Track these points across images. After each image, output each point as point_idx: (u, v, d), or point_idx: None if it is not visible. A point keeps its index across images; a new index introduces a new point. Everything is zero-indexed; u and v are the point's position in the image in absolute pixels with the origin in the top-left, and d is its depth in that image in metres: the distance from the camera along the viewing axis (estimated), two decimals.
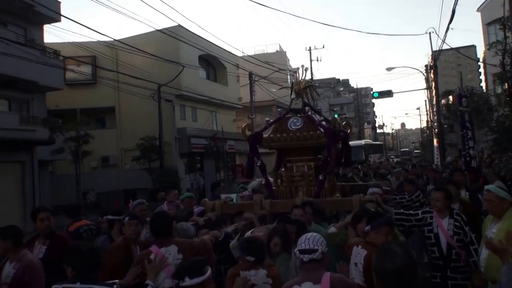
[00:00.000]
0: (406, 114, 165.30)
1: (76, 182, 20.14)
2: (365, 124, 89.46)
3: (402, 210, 6.07)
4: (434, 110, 31.54)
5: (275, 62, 36.31)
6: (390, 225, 4.42)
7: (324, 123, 6.99)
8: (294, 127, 6.93)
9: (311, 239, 3.56)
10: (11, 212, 18.38)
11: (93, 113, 27.51)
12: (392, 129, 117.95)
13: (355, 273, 4.28)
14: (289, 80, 44.36)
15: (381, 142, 63.15)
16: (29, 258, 4.72)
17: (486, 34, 27.76)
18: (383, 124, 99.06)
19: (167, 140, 27.14)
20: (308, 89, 7.27)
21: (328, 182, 6.92)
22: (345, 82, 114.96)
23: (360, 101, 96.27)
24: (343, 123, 7.07)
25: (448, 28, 20.49)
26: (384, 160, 32.40)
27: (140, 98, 25.12)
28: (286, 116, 7.22)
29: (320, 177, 6.74)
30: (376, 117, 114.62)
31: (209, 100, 31.44)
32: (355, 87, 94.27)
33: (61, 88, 22.41)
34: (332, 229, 5.34)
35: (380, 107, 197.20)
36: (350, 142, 8.26)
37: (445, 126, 29.63)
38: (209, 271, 3.33)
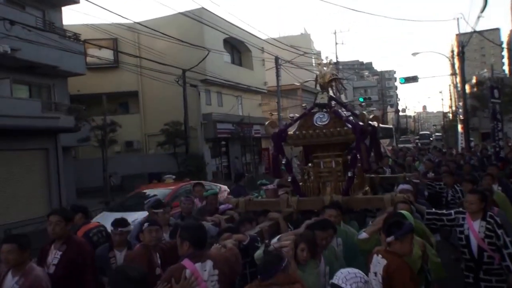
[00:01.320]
0: (429, 97, 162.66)
1: (103, 170, 20.06)
2: (388, 107, 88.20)
3: (434, 210, 5.82)
4: (460, 96, 30.70)
5: (299, 45, 35.80)
6: (413, 232, 4.09)
7: (351, 118, 6.57)
8: (320, 123, 6.53)
9: (348, 278, 3.32)
10: (37, 201, 18.47)
11: (116, 97, 27.19)
12: (414, 112, 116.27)
13: (375, 283, 3.96)
14: (313, 63, 43.82)
15: (391, 126, 59.50)
16: (36, 274, 4.35)
17: None
18: (406, 107, 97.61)
19: (193, 125, 26.88)
20: (333, 82, 6.84)
21: (357, 177, 6.54)
22: (369, 65, 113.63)
23: (384, 84, 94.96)
24: (371, 117, 6.63)
25: (479, 16, 19.80)
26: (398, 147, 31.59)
27: (163, 83, 24.81)
28: (312, 111, 6.79)
29: (349, 174, 6.34)
30: (399, 100, 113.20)
31: (234, 85, 30.99)
32: (378, 70, 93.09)
33: (83, 73, 22.08)
34: (364, 234, 4.94)
35: (403, 90, 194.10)
36: None
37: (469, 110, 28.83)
38: None
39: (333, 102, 6.70)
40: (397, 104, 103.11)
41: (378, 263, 3.96)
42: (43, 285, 4.28)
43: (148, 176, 26.22)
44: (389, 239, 3.96)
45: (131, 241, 6.49)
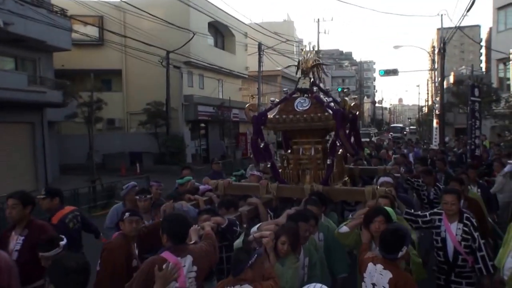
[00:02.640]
0: (406, 91, 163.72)
1: (89, 147, 19.61)
2: (365, 98, 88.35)
3: (412, 210, 5.54)
4: (438, 91, 30.75)
5: (281, 31, 35.56)
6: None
7: (332, 104, 6.30)
8: (301, 108, 6.25)
9: None
10: (22, 173, 18.24)
11: (99, 75, 26.33)
12: (390, 104, 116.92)
13: None
14: (295, 51, 43.49)
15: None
16: (3, 258, 4.09)
17: (496, 17, 26.67)
18: (382, 99, 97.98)
19: (174, 107, 26.68)
20: (316, 67, 6.54)
21: (336, 166, 6.29)
22: (349, 55, 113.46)
23: (362, 75, 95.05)
24: (352, 104, 6.37)
25: (464, 15, 19.79)
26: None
27: (147, 63, 24.35)
28: (293, 96, 6.52)
29: (329, 161, 6.11)
30: (376, 91, 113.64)
31: (217, 69, 30.63)
32: (358, 60, 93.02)
33: (69, 49, 21.61)
34: (345, 228, 4.66)
35: (381, 81, 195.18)
36: None
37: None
38: None
39: (314, 88, 6.42)
40: (374, 95, 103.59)
41: (380, 274, 3.66)
42: (11, 267, 4.11)
43: (129, 156, 25.86)
44: (403, 251, 3.63)
45: (107, 229, 6.19)
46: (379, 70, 33.44)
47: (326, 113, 6.06)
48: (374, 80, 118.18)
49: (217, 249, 4.17)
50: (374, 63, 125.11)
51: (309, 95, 6.36)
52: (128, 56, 25.78)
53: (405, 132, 59.25)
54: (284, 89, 6.94)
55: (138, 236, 4.66)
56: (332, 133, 6.51)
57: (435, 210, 5.44)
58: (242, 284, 3.40)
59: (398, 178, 7.36)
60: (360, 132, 8.41)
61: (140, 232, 4.69)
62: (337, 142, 6.07)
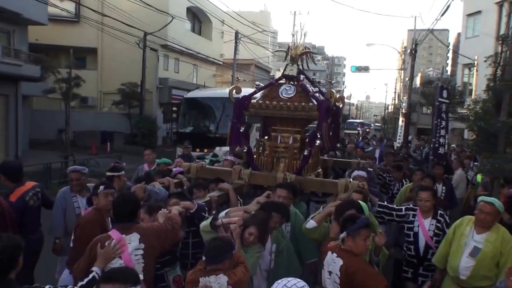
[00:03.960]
0: (375, 88, 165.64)
1: (65, 123, 18.87)
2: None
3: (386, 203, 5.55)
4: (405, 91, 31.07)
5: (258, 21, 35.27)
6: (368, 228, 3.62)
7: (318, 95, 6.02)
8: (285, 95, 5.95)
9: None
10: None
11: (73, 52, 25.81)
12: (358, 100, 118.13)
13: (329, 282, 3.58)
14: (269, 41, 43.20)
15: None
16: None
17: (465, 23, 26.99)
18: (350, 94, 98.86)
19: (149, 88, 26.22)
20: (305, 55, 6.25)
21: (312, 157, 6.04)
22: (321, 49, 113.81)
23: (333, 70, 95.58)
24: (337, 97, 6.12)
25: (437, 19, 19.93)
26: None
27: (124, 43, 23.65)
28: (279, 82, 6.21)
29: (306, 153, 5.82)
30: (345, 87, 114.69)
31: (193, 54, 30.11)
32: (329, 55, 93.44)
33: (45, 23, 20.76)
34: (312, 222, 4.46)
35: (350, 77, 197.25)
36: None
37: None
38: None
39: (301, 76, 6.12)
40: (343, 90, 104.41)
41: (334, 262, 3.54)
42: None
43: (100, 134, 25.21)
44: (342, 235, 3.55)
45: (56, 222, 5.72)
46: (351, 66, 33.70)
47: (311, 103, 5.81)
48: (344, 76, 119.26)
49: (178, 231, 4.01)
50: (345, 59, 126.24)
51: (295, 82, 6.08)
52: (105, 35, 24.97)
53: (367, 129, 56.69)
54: (256, 83, 6.66)
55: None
56: (313, 124, 6.27)
57: (410, 205, 5.50)
58: (218, 274, 3.22)
59: (371, 172, 7.18)
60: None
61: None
62: (318, 134, 5.79)
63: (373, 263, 4.12)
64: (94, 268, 3.29)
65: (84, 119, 25.58)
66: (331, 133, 6.41)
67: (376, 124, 73.43)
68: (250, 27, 31.06)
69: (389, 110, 58.89)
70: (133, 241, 3.58)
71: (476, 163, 10.55)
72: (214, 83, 35.56)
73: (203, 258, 3.30)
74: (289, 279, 2.67)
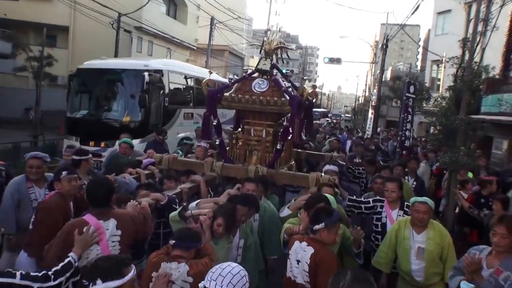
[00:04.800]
0: (346, 80, 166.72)
1: (36, 102, 18.31)
2: (306, 81, 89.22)
3: (354, 197, 5.64)
4: (376, 84, 31.42)
5: (233, 7, 34.97)
6: (340, 222, 3.82)
7: (290, 89, 6.06)
8: (258, 89, 6.01)
9: (224, 281, 2.48)
10: None
11: (41, 29, 24.98)
12: (329, 91, 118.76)
13: (297, 271, 3.63)
14: (244, 28, 42.88)
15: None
16: None
17: (435, 20, 27.43)
18: (322, 84, 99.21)
19: None
20: (279, 50, 6.26)
21: (284, 150, 6.11)
22: (295, 38, 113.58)
23: (306, 59, 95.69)
24: (310, 92, 6.17)
25: (408, 17, 20.16)
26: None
27: (97, 23, 22.99)
28: (252, 76, 6.23)
29: (278, 146, 5.93)
30: (317, 76, 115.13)
31: (167, 37, 29.59)
32: (303, 44, 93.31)
33: None
34: (286, 211, 4.61)
35: (323, 68, 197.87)
36: None
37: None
38: (130, 273, 2.61)
39: (274, 71, 6.14)
40: (315, 80, 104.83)
41: (304, 251, 3.60)
42: None
43: None
44: (318, 226, 3.59)
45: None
46: (324, 58, 33.79)
47: (283, 98, 5.86)
48: (317, 66, 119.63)
49: (149, 221, 3.95)
50: (318, 49, 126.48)
51: (269, 77, 6.11)
52: (78, 14, 24.20)
53: (335, 120, 51.53)
54: (244, 68, 6.64)
55: (75, 199, 4.40)
56: (286, 118, 6.31)
57: (378, 197, 5.59)
58: (180, 262, 3.19)
59: (343, 166, 7.29)
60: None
61: (77, 195, 4.43)
62: (290, 128, 5.85)
63: (355, 256, 4.29)
64: (71, 254, 3.21)
65: (53, 98, 24.81)
66: (304, 127, 6.49)
67: (347, 115, 74.10)
68: (225, 13, 30.74)
69: (360, 102, 59.48)
70: (110, 227, 3.54)
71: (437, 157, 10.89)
72: None
73: (170, 242, 3.29)
74: (224, 265, 2.58)
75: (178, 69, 13.85)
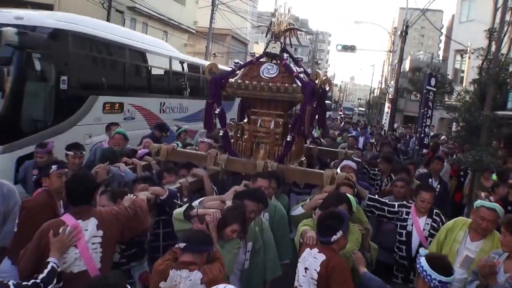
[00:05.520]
0: (361, 69, 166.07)
1: None
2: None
3: (376, 196, 5.48)
4: (393, 75, 31.30)
5: None
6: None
7: (303, 76, 6.04)
8: (267, 75, 5.98)
9: None
10: None
11: (24, 6, 24.85)
12: (342, 81, 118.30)
13: (304, 279, 3.62)
14: (248, 11, 42.68)
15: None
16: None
17: (460, 6, 27.25)
18: (334, 74, 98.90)
19: None
20: (289, 32, 6.23)
21: (295, 144, 6.10)
22: (304, 22, 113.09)
23: (316, 46, 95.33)
24: (324, 78, 6.15)
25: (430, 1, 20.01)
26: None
27: (86, 2, 22.92)
28: (260, 60, 6.21)
29: (288, 138, 5.88)
30: (328, 65, 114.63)
31: (164, 19, 29.45)
32: (314, 30, 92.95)
33: None
34: (300, 209, 4.58)
35: (334, 56, 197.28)
36: None
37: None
38: None
39: (285, 55, 6.12)
40: (327, 70, 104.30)
41: (314, 257, 3.58)
42: None
43: None
44: (337, 236, 3.55)
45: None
46: (337, 45, 33.72)
47: (295, 85, 5.83)
48: (328, 54, 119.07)
49: (140, 217, 3.87)
50: (330, 35, 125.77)
51: (278, 61, 6.09)
52: None
53: (343, 115, 54.17)
54: (251, 52, 6.63)
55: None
56: (297, 107, 6.30)
57: (404, 202, 5.42)
58: (192, 270, 3.14)
59: (359, 163, 7.30)
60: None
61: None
62: (302, 118, 5.82)
63: (366, 259, 4.21)
64: (51, 259, 3.20)
65: None
66: (316, 118, 6.47)
67: (360, 108, 73.84)
68: None
69: (375, 94, 59.33)
70: (90, 227, 3.47)
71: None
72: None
73: (180, 245, 3.22)
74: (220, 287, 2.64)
75: (93, 32, 9.49)
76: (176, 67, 13.38)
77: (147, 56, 11.65)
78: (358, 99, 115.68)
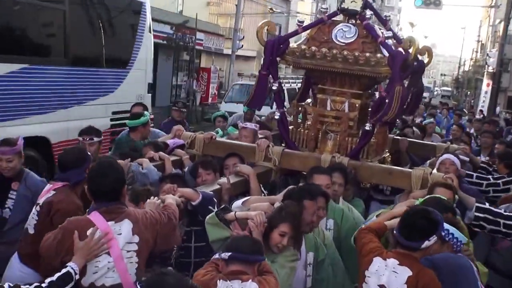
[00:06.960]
0: (446, 34, 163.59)
1: None
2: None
3: (488, 205, 5.25)
4: (496, 42, 30.68)
5: None
6: None
7: (391, 42, 5.98)
8: (341, 40, 5.96)
9: None
10: None
11: None
12: None
13: None
14: None
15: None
16: None
17: None
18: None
19: None
20: None
21: (376, 135, 6.07)
22: None
23: (383, 1, 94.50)
24: (421, 47, 6.06)
25: None
26: None
27: None
28: (332, 19, 6.17)
29: (367, 127, 5.82)
30: (400, 29, 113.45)
31: None
32: None
33: None
34: (375, 220, 4.50)
35: (407, 15, 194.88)
36: None
37: None
38: None
39: (368, 12, 6.06)
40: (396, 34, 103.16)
41: (394, 272, 3.57)
42: None
43: None
44: (430, 242, 3.56)
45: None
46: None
47: (379, 54, 5.77)
48: (399, 12, 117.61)
49: (175, 227, 4.01)
50: None
51: (358, 22, 6.04)
52: None
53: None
54: (324, 6, 6.57)
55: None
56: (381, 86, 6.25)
57: None
58: (245, 280, 3.24)
59: (465, 163, 7.15)
60: None
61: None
62: (387, 101, 5.77)
63: None
64: (71, 264, 3.29)
65: None
66: (408, 101, 6.38)
67: (444, 88, 72.89)
68: None
69: (466, 69, 58.55)
70: (124, 231, 3.54)
71: None
72: (207, 16, 35.01)
73: (223, 255, 3.31)
74: None
75: None
76: None
77: None
78: (441, 75, 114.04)
